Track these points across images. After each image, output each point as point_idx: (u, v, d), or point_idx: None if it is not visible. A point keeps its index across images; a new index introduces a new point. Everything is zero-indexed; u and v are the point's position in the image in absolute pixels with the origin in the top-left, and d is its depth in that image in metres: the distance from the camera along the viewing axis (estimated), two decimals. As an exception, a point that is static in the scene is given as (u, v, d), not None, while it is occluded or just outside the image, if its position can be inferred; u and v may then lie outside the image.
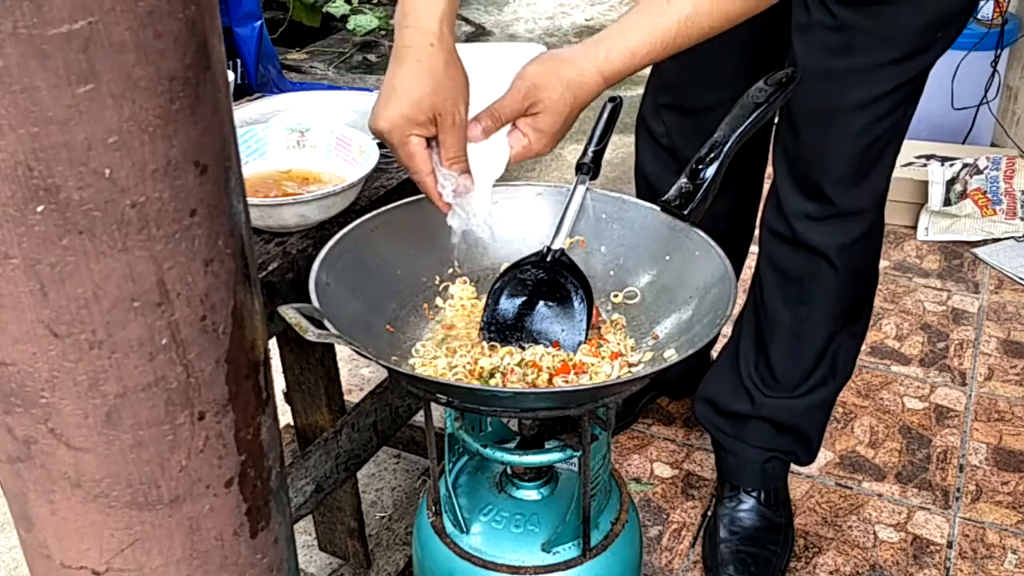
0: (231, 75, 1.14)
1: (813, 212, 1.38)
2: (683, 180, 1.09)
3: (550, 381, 1.03)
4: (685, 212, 1.08)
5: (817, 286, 1.44)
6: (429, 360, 1.07)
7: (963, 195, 2.63)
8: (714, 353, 2.07)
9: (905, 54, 1.25)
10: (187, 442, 0.69)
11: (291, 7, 4.20)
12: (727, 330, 2.20)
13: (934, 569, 1.62)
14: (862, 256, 1.43)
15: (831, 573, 1.61)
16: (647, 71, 1.25)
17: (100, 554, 0.71)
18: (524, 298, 1.11)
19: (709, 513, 1.73)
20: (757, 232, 1.57)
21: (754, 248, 2.53)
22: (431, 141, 1.02)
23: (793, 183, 1.40)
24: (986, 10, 2.89)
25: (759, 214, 1.57)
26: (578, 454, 1.05)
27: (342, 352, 1.93)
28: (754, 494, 1.64)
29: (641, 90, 1.66)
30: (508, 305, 1.11)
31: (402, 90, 0.99)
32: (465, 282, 1.17)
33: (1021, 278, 2.43)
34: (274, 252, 1.13)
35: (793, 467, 1.80)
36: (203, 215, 0.63)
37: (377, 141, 1.27)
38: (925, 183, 2.63)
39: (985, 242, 2.59)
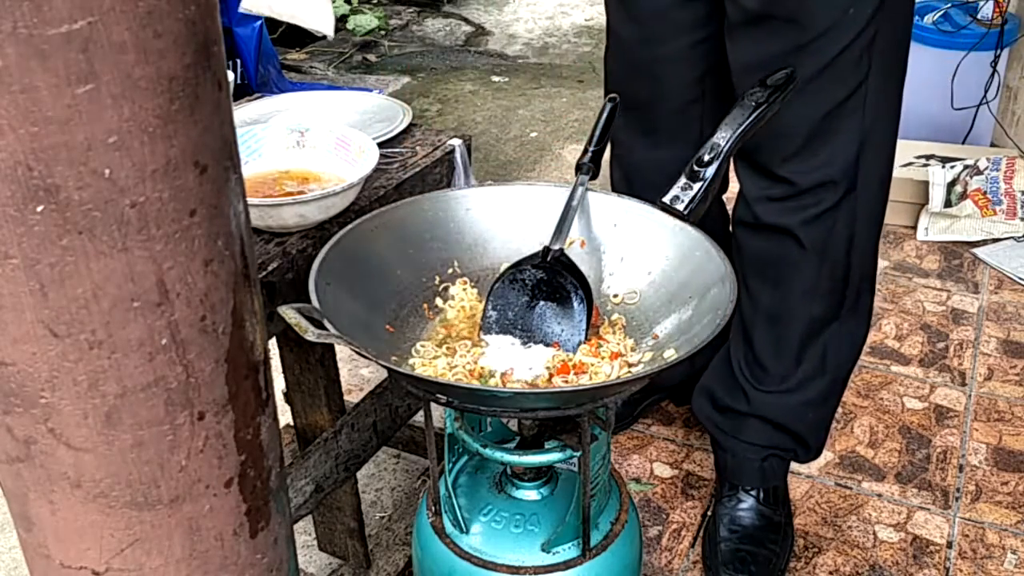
0: (231, 75, 1.14)
1: (773, 194, 1.39)
2: (683, 180, 1.09)
3: (550, 381, 1.03)
4: (684, 212, 1.08)
5: (788, 266, 1.44)
6: (429, 360, 1.07)
7: (963, 196, 2.63)
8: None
9: (820, 32, 1.26)
10: (187, 442, 0.69)
11: (291, 7, 4.19)
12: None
13: (934, 569, 1.62)
14: (830, 233, 1.40)
15: (831, 573, 1.61)
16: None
17: (100, 554, 0.71)
18: (524, 298, 1.11)
19: (709, 513, 1.73)
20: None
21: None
22: None
23: (748, 167, 1.42)
24: (986, 10, 2.89)
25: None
26: (578, 454, 1.05)
27: (342, 352, 1.93)
28: (753, 493, 1.64)
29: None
30: (508, 305, 1.11)
31: None
32: (465, 282, 1.17)
33: (1021, 278, 2.43)
34: (274, 252, 1.13)
35: (793, 467, 1.80)
36: (203, 215, 0.64)
37: (377, 141, 1.28)
38: (925, 183, 2.64)
39: (985, 242, 2.59)
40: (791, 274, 1.45)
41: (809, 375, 1.53)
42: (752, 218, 1.44)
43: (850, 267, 1.45)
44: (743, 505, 1.64)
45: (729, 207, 1.61)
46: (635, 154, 1.57)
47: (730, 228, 1.82)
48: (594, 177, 1.17)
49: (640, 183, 1.57)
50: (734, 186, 1.48)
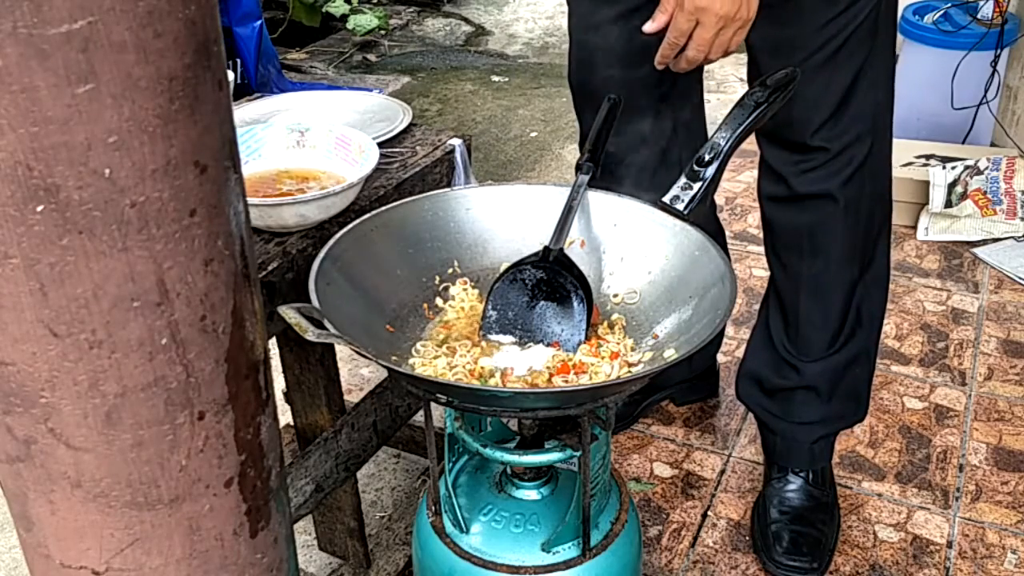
0: (231, 75, 1.14)
1: (808, 164, 1.42)
2: (683, 180, 1.09)
3: (550, 381, 1.03)
4: (684, 212, 1.08)
5: (825, 230, 1.46)
6: (429, 360, 1.07)
7: (964, 196, 2.63)
8: (721, 357, 2.07)
9: (845, 5, 1.29)
10: (187, 442, 0.69)
11: (291, 7, 4.20)
12: (732, 335, 2.21)
13: (934, 569, 1.62)
14: (861, 188, 1.44)
15: (831, 573, 1.61)
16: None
17: (100, 554, 0.71)
18: (524, 298, 1.11)
19: (708, 513, 1.73)
20: (759, 213, 1.57)
21: (755, 249, 2.53)
22: None
23: (780, 147, 1.43)
24: (986, 10, 2.89)
25: (758, 199, 1.58)
26: (578, 454, 1.05)
27: (342, 352, 1.93)
28: (802, 475, 1.66)
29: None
30: (508, 305, 1.11)
31: None
32: (465, 282, 1.17)
33: (1021, 278, 2.43)
34: (274, 252, 1.13)
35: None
36: (203, 215, 0.64)
37: (377, 141, 1.28)
38: (925, 183, 2.63)
39: (985, 242, 2.58)
40: (829, 240, 1.47)
41: (849, 333, 1.55)
42: (786, 191, 1.45)
43: (873, 219, 1.48)
44: (792, 487, 1.66)
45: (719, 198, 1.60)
46: (613, 153, 1.58)
47: (717, 217, 1.83)
48: (594, 177, 1.17)
49: (621, 180, 1.58)
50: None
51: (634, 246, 1.15)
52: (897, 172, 2.55)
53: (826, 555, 1.61)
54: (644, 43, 1.42)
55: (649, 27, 1.21)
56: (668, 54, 1.21)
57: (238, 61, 3.36)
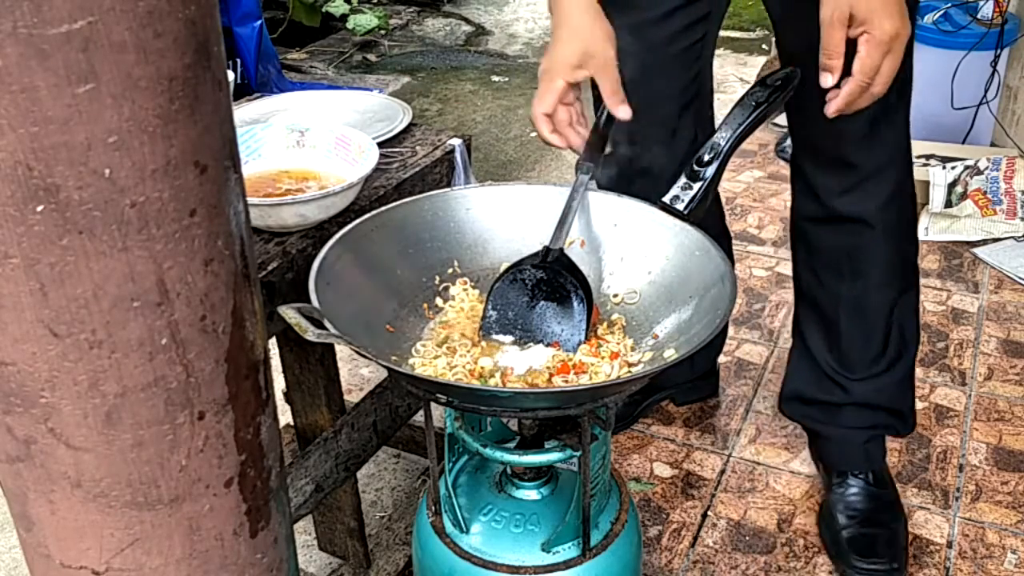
0: (231, 75, 1.15)
1: (844, 185, 1.42)
2: (683, 180, 1.09)
3: (550, 381, 1.04)
4: (685, 212, 1.08)
5: (864, 254, 1.47)
6: (429, 360, 1.07)
7: (964, 196, 2.63)
8: (721, 358, 2.07)
9: None
10: (187, 442, 0.69)
11: (291, 7, 4.20)
12: (732, 335, 2.20)
13: (934, 569, 1.62)
14: (898, 216, 1.45)
15: (830, 573, 1.61)
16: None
17: (100, 554, 0.71)
18: (524, 298, 1.11)
19: (708, 513, 1.73)
20: (791, 232, 1.58)
21: (755, 249, 2.53)
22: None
23: (818, 164, 1.44)
24: (986, 10, 2.89)
25: (791, 214, 1.57)
26: (578, 454, 1.05)
27: (342, 352, 1.93)
28: (861, 476, 1.66)
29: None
30: (508, 305, 1.11)
31: (561, 41, 1.19)
32: (465, 282, 1.17)
33: (1021, 278, 2.43)
34: (274, 252, 1.13)
35: (793, 467, 1.80)
36: (203, 215, 0.64)
37: (377, 141, 1.28)
38: (925, 183, 2.63)
39: (985, 242, 2.58)
40: (869, 265, 1.48)
41: (896, 356, 1.56)
42: (826, 212, 1.46)
43: (911, 243, 1.50)
44: (853, 490, 1.65)
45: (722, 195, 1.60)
46: (631, 157, 1.58)
47: (725, 222, 1.83)
48: (594, 177, 1.17)
49: (642, 189, 1.57)
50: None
51: (634, 246, 1.15)
52: (897, 172, 2.54)
53: (902, 552, 1.59)
54: (662, 56, 1.42)
55: (828, 82, 1.10)
56: (856, 97, 1.11)
57: (238, 61, 3.36)
